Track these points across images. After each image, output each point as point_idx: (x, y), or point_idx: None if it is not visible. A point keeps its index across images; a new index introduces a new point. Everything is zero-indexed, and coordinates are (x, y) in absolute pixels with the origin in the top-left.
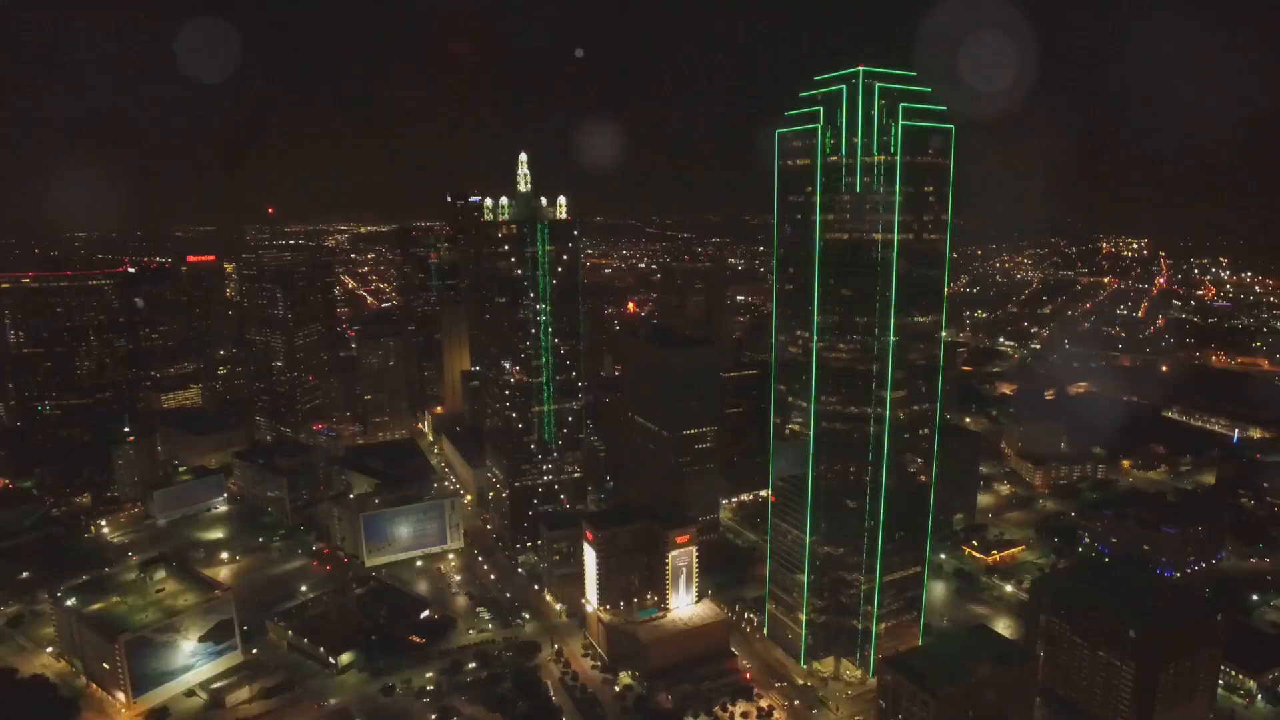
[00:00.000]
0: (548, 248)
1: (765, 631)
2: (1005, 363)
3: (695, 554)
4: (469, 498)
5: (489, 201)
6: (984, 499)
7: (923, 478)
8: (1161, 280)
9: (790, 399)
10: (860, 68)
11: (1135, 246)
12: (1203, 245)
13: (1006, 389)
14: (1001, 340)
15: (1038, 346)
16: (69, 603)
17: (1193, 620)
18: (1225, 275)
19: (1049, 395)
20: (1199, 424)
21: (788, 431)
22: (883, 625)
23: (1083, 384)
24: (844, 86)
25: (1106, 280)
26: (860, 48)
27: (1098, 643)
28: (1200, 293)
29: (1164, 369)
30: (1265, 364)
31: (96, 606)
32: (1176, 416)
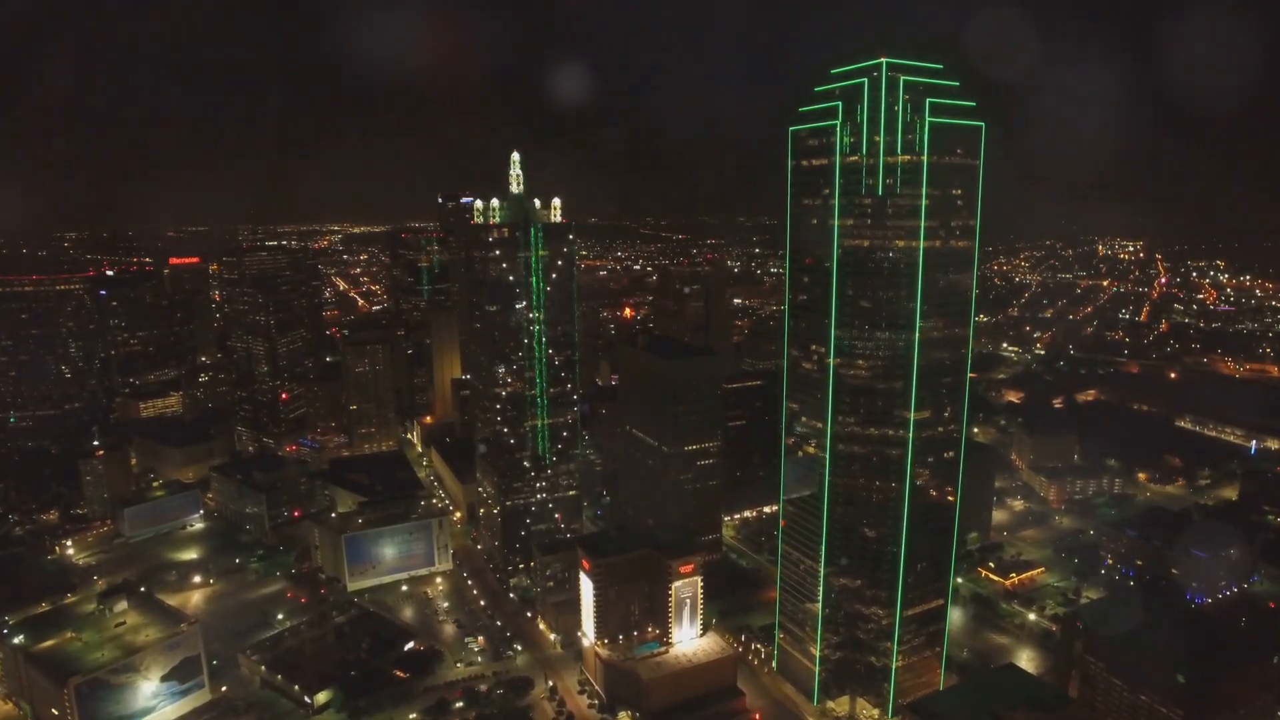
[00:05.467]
0: (541, 252)
1: (774, 665)
2: (1010, 368)
3: (700, 584)
4: (459, 515)
5: (479, 203)
6: (998, 515)
7: (946, 503)
8: (1161, 282)
9: (803, 418)
10: (884, 59)
11: (1131, 249)
12: (1198, 247)
13: (1013, 396)
14: (1005, 345)
15: (1041, 351)
16: (16, 639)
17: (1248, 663)
18: (1224, 278)
19: (1057, 403)
20: (1213, 434)
21: (800, 454)
22: (902, 661)
23: (1091, 391)
24: (865, 80)
25: (1105, 283)
26: (880, 38)
27: (1139, 686)
28: (1201, 296)
29: (1172, 376)
30: (1275, 370)
31: (47, 644)
32: (1189, 426)
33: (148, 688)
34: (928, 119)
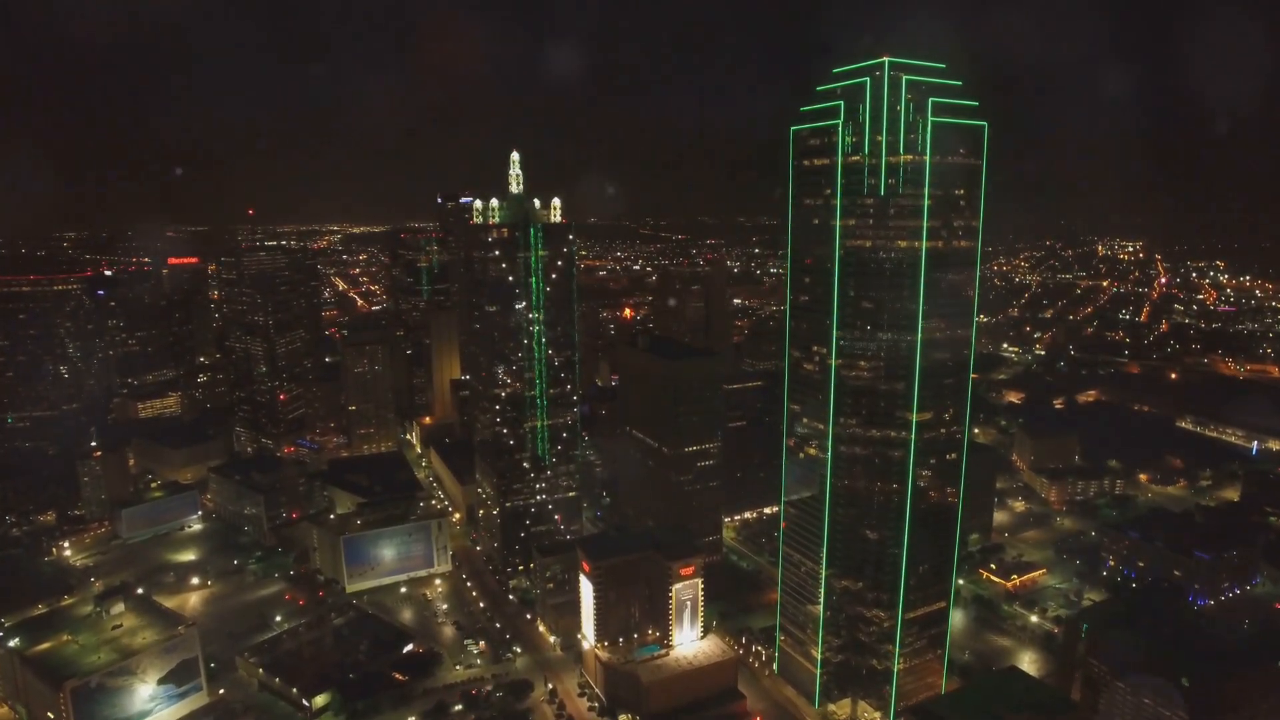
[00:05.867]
0: (541, 252)
1: (775, 668)
2: (1010, 369)
3: (700, 586)
4: (458, 516)
5: (479, 204)
6: (999, 516)
7: (949, 505)
8: (1161, 283)
9: (805, 419)
10: (886, 59)
11: (1130, 249)
12: (1198, 248)
13: (1014, 397)
14: (1005, 346)
15: (1042, 352)
16: (13, 642)
17: (1253, 667)
18: (1224, 279)
19: (1058, 404)
20: (1214, 434)
21: (801, 456)
22: (904, 664)
23: (1092, 392)
24: (868, 79)
25: (1105, 284)
26: (882, 37)
27: (1143, 690)
28: (1201, 297)
29: (1173, 376)
30: (1276, 371)
31: (43, 646)
32: (1190, 427)
33: (145, 691)
34: (930, 118)
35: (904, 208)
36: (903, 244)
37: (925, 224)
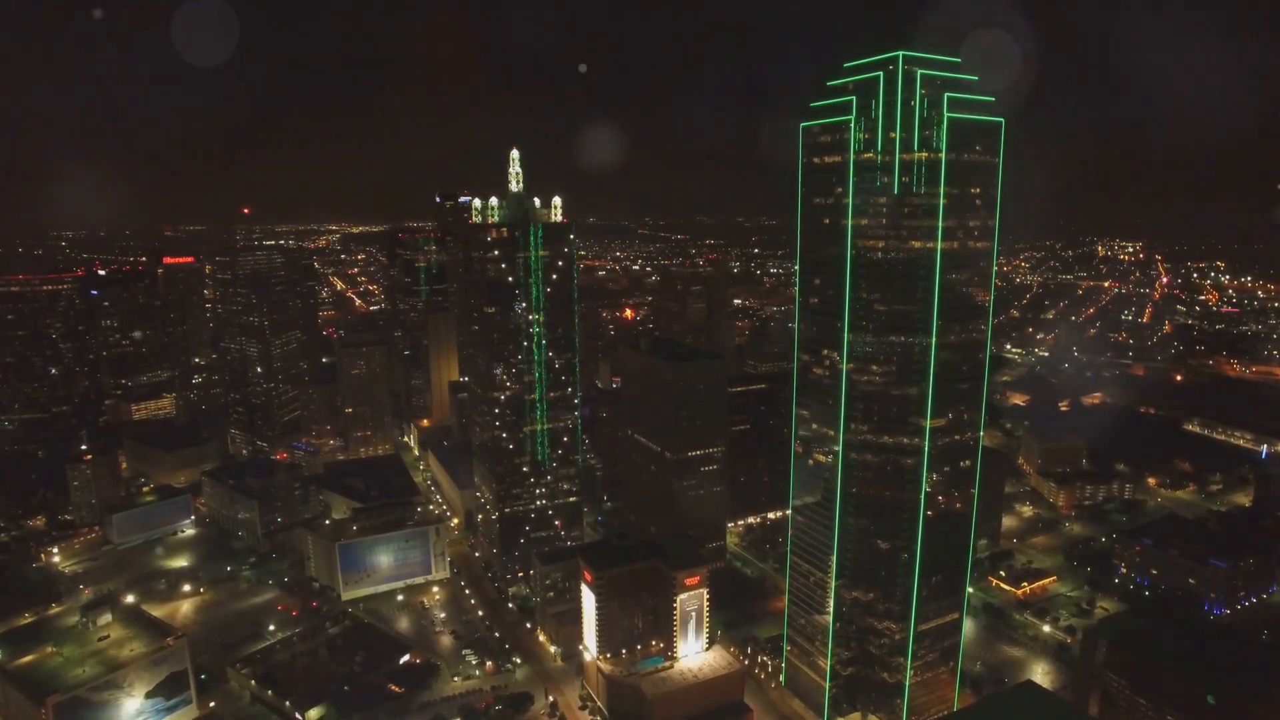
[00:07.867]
0: (541, 252)
1: (782, 680)
2: (1014, 370)
3: (705, 596)
4: (456, 521)
5: (478, 203)
6: (1007, 521)
7: (962, 513)
8: (1163, 283)
9: (814, 424)
10: (900, 52)
11: (1130, 250)
12: (1198, 248)
13: (1018, 399)
14: (1008, 347)
15: (1045, 353)
16: None
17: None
18: (1225, 279)
19: (1063, 406)
20: (1222, 438)
21: (810, 462)
22: (916, 677)
23: (1097, 394)
24: (880, 74)
25: (1106, 285)
26: (893, 31)
27: (1165, 707)
28: (1203, 298)
29: (1178, 378)
30: None
31: (26, 659)
32: (1198, 430)
33: (131, 705)
34: (945, 114)
35: (918, 207)
36: (917, 244)
37: (940, 224)
